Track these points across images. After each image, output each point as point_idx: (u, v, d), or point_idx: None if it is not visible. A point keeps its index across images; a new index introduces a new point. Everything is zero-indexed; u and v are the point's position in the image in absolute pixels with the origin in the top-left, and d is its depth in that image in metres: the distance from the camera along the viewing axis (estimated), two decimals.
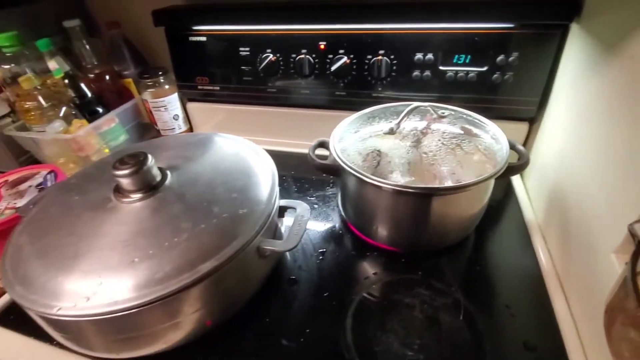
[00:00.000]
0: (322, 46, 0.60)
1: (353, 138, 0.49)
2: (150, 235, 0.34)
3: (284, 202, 0.42)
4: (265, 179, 0.41)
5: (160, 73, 0.70)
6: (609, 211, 0.34)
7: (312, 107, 0.68)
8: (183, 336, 0.35)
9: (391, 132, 0.47)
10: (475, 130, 0.48)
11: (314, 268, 0.47)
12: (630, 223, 0.29)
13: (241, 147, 0.47)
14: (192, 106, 0.76)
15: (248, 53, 0.64)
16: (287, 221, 0.47)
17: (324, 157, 0.49)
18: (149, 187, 0.38)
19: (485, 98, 0.57)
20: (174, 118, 0.74)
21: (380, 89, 0.61)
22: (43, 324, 0.33)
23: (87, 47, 0.68)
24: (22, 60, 0.59)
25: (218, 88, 0.70)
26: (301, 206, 0.41)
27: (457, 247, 0.48)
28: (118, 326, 0.31)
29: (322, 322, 0.40)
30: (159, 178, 0.39)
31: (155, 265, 0.31)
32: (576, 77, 0.46)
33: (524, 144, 0.60)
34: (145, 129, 0.79)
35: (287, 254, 0.49)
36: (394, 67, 0.58)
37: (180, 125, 0.76)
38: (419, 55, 0.56)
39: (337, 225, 0.53)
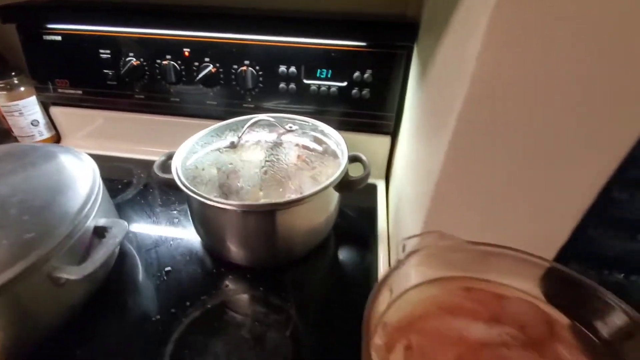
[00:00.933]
0: (186, 53, 0.58)
1: (202, 152, 0.48)
2: None
3: (103, 221, 0.39)
4: (79, 196, 0.38)
5: (13, 74, 0.63)
6: (413, 226, 0.36)
7: (186, 116, 0.65)
8: None
9: (232, 146, 0.46)
10: (322, 142, 0.49)
11: (151, 289, 0.44)
12: (403, 237, 0.31)
13: (67, 160, 0.43)
14: (56, 111, 0.69)
15: (109, 56, 0.60)
16: None
17: None
18: None
19: (349, 112, 0.58)
20: (32, 124, 0.66)
21: (250, 99, 0.60)
22: None
23: None
24: None
25: (80, 92, 0.64)
26: (118, 226, 0.38)
27: (308, 259, 0.48)
28: None
29: (139, 350, 0.37)
30: None
31: None
32: (413, 95, 0.49)
33: (389, 157, 0.63)
34: (2, 136, 0.70)
35: (129, 272, 0.46)
36: (261, 78, 0.58)
37: (42, 132, 0.68)
38: (282, 68, 0.56)
39: (190, 240, 0.51)
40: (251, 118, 0.48)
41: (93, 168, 0.43)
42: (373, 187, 0.62)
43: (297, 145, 0.48)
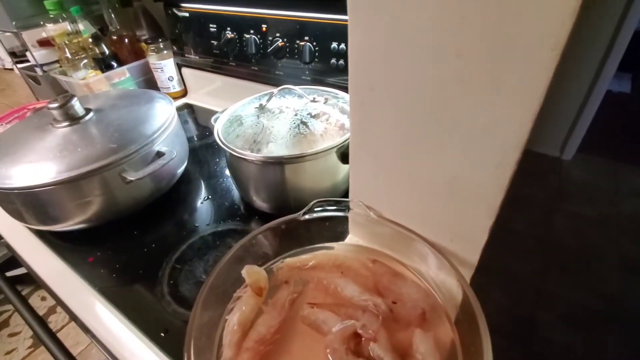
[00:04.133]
0: (264, 28, 0.69)
1: (243, 114, 0.58)
2: (63, 147, 0.50)
3: (164, 148, 0.54)
4: (153, 128, 0.54)
5: (160, 40, 0.87)
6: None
7: (262, 83, 0.77)
8: (89, 216, 0.51)
9: (260, 107, 0.54)
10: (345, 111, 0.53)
11: (196, 205, 0.59)
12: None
13: (159, 103, 0.60)
14: (185, 71, 0.91)
15: (215, 29, 0.76)
16: None
17: None
18: (73, 119, 0.54)
19: None
20: (169, 79, 0.91)
21: (307, 72, 0.67)
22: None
23: (112, 15, 0.88)
24: (60, 20, 0.80)
25: (197, 57, 0.84)
26: (169, 154, 0.53)
27: None
28: (44, 199, 0.48)
29: (175, 237, 0.52)
30: (81, 114, 0.55)
31: (56, 164, 0.47)
32: None
33: None
34: (152, 85, 0.97)
35: (187, 191, 0.62)
36: (317, 54, 0.64)
37: (175, 86, 0.93)
38: (334, 44, 0.61)
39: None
40: (283, 88, 0.55)
41: (172, 111, 0.59)
42: None
43: (323, 114, 0.53)
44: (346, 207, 0.32)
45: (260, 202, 0.54)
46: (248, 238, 0.31)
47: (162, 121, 0.56)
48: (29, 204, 0.48)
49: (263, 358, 0.26)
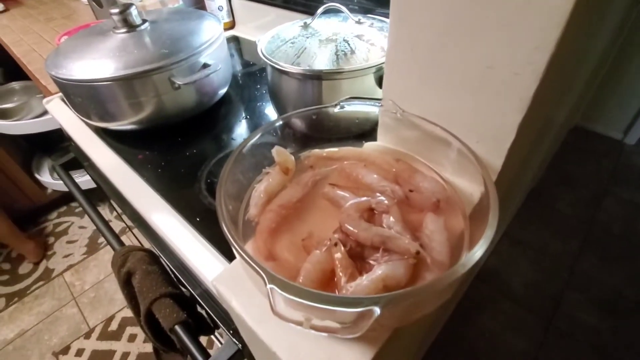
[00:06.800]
0: None
1: (286, 33, 0.58)
2: (121, 49, 0.54)
3: (210, 61, 0.57)
4: (201, 40, 0.56)
5: None
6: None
7: (306, 13, 0.76)
8: (141, 118, 0.57)
9: (305, 26, 0.55)
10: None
11: (237, 121, 0.62)
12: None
13: (208, 21, 0.62)
14: (235, 2, 0.92)
15: None
16: None
17: None
18: (130, 26, 0.58)
19: None
20: (218, 9, 0.92)
21: (356, 1, 0.66)
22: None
23: None
24: None
25: None
26: (214, 66, 0.55)
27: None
28: (104, 94, 0.53)
29: (215, 146, 0.57)
30: (138, 22, 0.58)
31: (115, 62, 0.51)
32: None
33: None
34: None
35: (228, 110, 0.65)
36: None
37: (224, 17, 0.94)
38: None
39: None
40: (329, 5, 0.55)
41: (220, 29, 0.61)
42: None
43: (367, 36, 0.52)
44: (377, 104, 0.33)
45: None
46: (279, 120, 0.33)
47: (209, 36, 0.58)
48: (91, 97, 0.54)
49: (283, 219, 0.29)
